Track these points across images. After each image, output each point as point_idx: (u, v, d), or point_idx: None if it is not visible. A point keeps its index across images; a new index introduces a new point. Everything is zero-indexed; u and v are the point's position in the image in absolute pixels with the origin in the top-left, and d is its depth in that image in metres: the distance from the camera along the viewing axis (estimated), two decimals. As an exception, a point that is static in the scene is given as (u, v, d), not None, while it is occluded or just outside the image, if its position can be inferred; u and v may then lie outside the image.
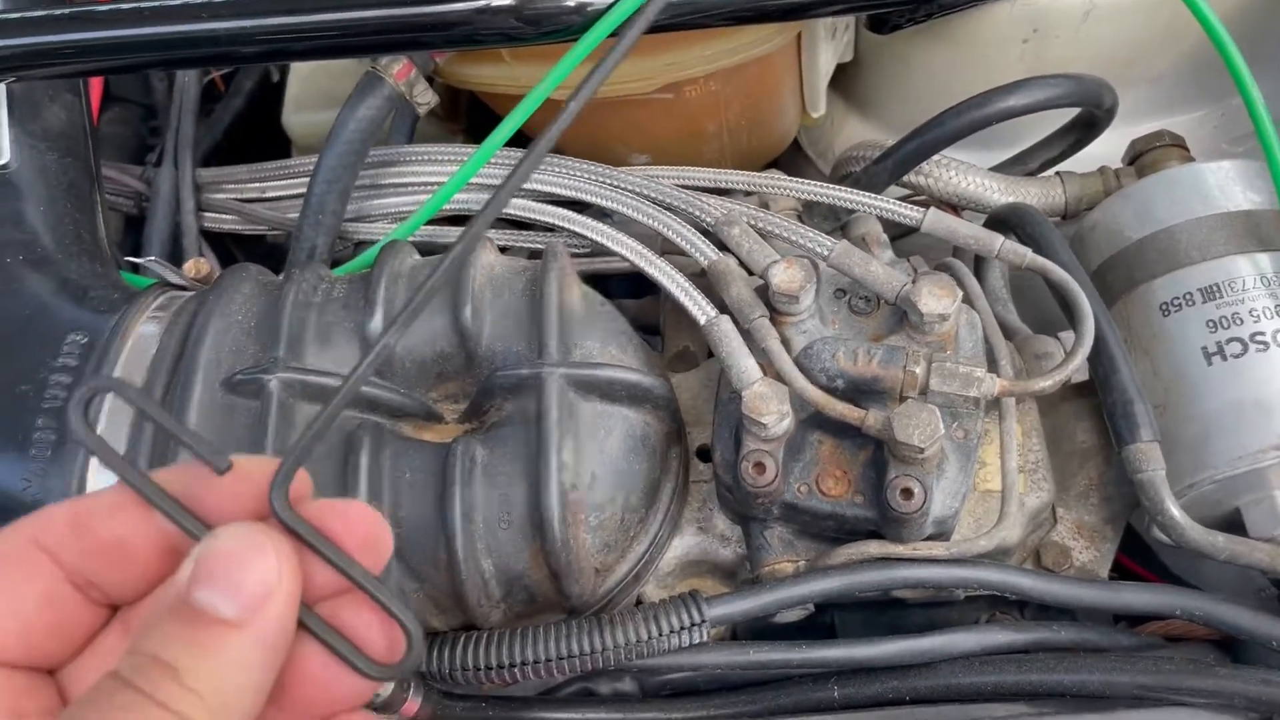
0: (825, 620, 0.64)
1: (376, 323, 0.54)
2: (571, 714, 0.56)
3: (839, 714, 0.55)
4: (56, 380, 0.54)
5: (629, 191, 0.62)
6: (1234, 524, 0.56)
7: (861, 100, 0.80)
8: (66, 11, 0.59)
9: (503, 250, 0.68)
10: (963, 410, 0.54)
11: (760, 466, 0.53)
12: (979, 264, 0.65)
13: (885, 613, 0.63)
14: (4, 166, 0.62)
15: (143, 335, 0.56)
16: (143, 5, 0.57)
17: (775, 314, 0.56)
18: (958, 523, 0.56)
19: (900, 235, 0.74)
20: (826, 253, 0.56)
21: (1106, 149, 0.70)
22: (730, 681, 0.59)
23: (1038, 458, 0.61)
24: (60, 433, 0.52)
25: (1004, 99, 0.59)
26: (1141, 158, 0.65)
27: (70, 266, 0.60)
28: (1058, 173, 0.67)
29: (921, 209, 0.58)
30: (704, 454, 0.63)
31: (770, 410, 0.52)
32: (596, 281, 0.65)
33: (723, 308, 0.56)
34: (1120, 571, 0.67)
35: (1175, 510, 0.52)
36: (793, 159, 0.85)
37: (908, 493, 0.51)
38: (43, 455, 0.52)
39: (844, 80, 0.79)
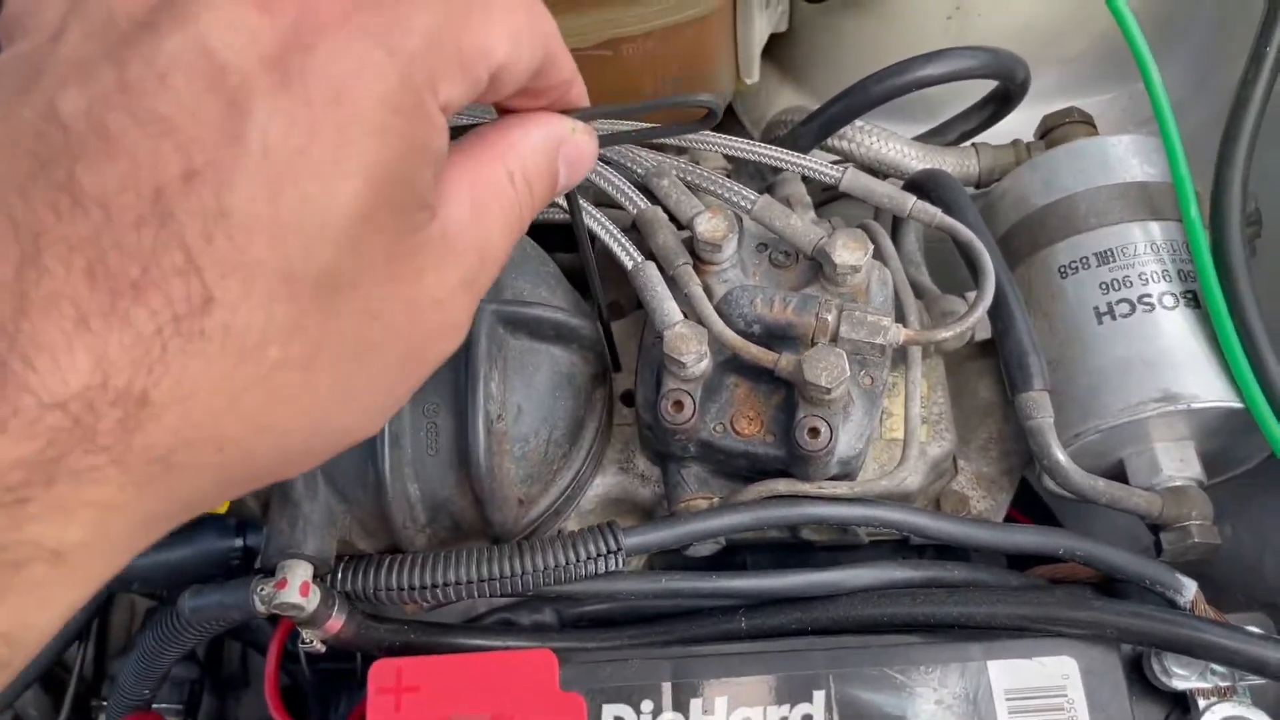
0: (738, 562, 0.67)
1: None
2: (492, 641, 0.58)
3: (746, 642, 0.58)
4: None
5: (564, 142, 0.65)
6: (1117, 475, 0.60)
7: (794, 70, 0.83)
8: None
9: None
10: (870, 358, 0.57)
11: (679, 404, 0.56)
12: (896, 227, 0.69)
13: (793, 556, 0.67)
14: None
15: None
16: None
17: (699, 262, 0.59)
18: (862, 466, 0.60)
19: (823, 203, 0.77)
20: (750, 206, 0.59)
21: (1020, 126, 0.74)
22: (644, 614, 0.62)
23: (941, 410, 0.64)
24: None
25: (923, 67, 0.62)
26: (1052, 132, 0.69)
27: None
28: (973, 144, 0.71)
29: (841, 168, 0.61)
30: (627, 399, 0.66)
31: (690, 350, 0.54)
32: (529, 233, 0.68)
33: (649, 255, 0.59)
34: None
35: (1060, 455, 0.55)
36: (729, 127, 0.87)
37: (814, 431, 0.54)
38: None
39: (778, 50, 0.82)
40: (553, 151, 0.35)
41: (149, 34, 0.25)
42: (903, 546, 0.66)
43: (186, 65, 0.25)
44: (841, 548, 0.66)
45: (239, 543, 0.70)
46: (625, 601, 0.60)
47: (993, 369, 0.67)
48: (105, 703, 0.80)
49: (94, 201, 0.24)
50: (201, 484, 0.28)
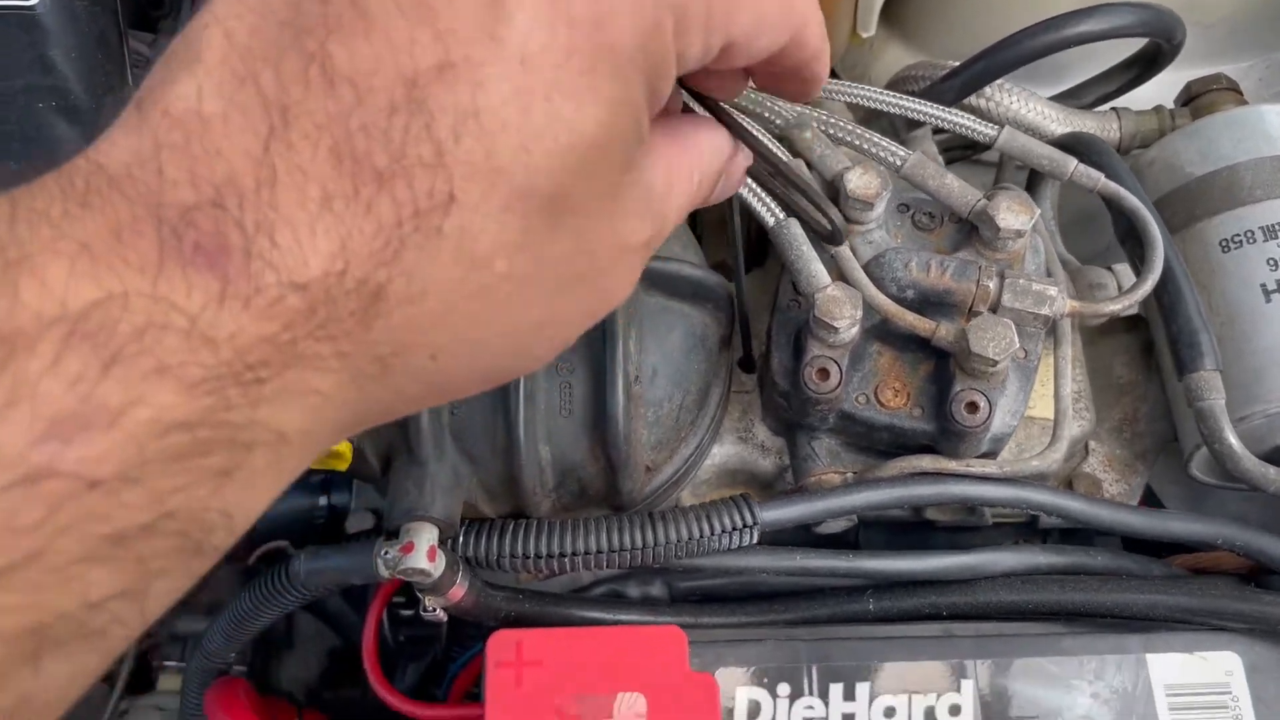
0: (848, 538, 0.64)
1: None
2: (603, 614, 0.55)
3: (874, 625, 0.55)
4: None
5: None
6: (1271, 459, 0.57)
7: (905, 26, 0.79)
8: None
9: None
10: (1028, 329, 0.53)
11: (824, 372, 0.52)
12: (1029, 190, 0.65)
13: (909, 533, 0.63)
14: (31, 7, 0.58)
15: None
16: None
17: (845, 221, 0.55)
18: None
19: (951, 162, 0.73)
20: (900, 163, 0.55)
21: (1149, 91, 0.70)
22: (758, 590, 0.59)
23: (1080, 388, 0.61)
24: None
25: (1081, 23, 0.58)
26: (1197, 99, 0.65)
27: (102, 119, 0.57)
28: (1114, 108, 0.67)
29: (995, 126, 0.57)
30: (744, 364, 0.62)
31: (844, 314, 0.51)
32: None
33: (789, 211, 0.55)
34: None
35: (1233, 439, 0.52)
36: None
37: (973, 406, 0.51)
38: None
39: (889, 4, 0.78)
40: (723, 161, 0.36)
41: None
42: (1027, 529, 0.63)
43: None
44: (964, 528, 0.63)
45: (324, 501, 0.67)
46: (747, 577, 0.57)
47: (1130, 346, 0.63)
48: (168, 664, 0.77)
49: (344, 79, 0.24)
50: (408, 390, 0.28)
